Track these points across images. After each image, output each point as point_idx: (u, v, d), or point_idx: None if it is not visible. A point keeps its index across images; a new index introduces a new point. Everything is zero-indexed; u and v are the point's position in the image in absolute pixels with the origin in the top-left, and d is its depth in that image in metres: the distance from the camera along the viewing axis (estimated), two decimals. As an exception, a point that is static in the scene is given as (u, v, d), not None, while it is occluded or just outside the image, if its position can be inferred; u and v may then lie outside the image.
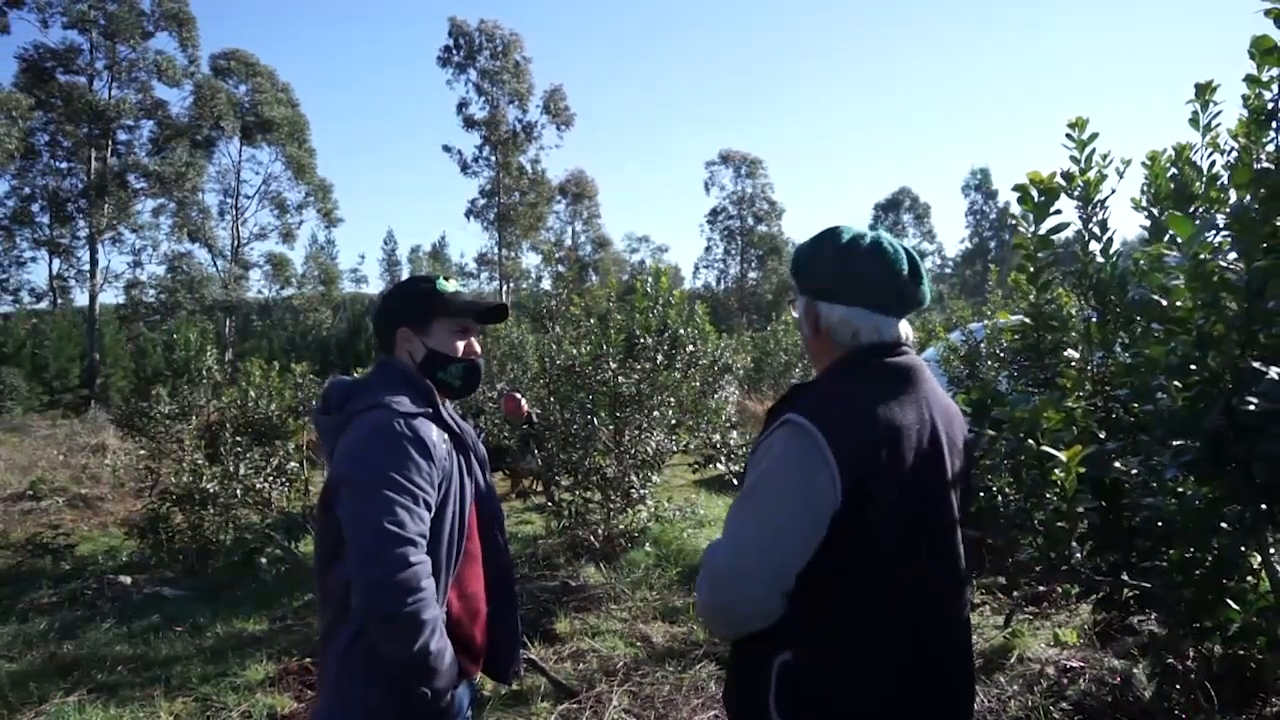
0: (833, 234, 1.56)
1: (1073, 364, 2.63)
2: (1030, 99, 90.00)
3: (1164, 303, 1.84)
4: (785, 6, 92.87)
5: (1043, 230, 2.56)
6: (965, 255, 58.41)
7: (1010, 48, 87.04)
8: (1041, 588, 4.31)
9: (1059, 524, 1.92)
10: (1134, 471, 2.05)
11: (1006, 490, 2.16)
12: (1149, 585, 2.02)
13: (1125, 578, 2.07)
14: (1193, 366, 1.75)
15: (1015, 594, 4.20)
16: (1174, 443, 1.83)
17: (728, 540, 1.44)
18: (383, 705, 1.71)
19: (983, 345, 6.65)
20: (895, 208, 57.53)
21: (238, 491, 7.24)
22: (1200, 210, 2.57)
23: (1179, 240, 1.80)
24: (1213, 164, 2.72)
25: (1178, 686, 2.79)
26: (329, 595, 1.76)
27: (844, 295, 1.52)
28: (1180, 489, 1.95)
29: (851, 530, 1.38)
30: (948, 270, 59.81)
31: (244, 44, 47.96)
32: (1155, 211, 2.77)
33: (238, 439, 7.84)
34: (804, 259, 1.60)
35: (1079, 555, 2.08)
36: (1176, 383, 1.79)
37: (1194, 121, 2.66)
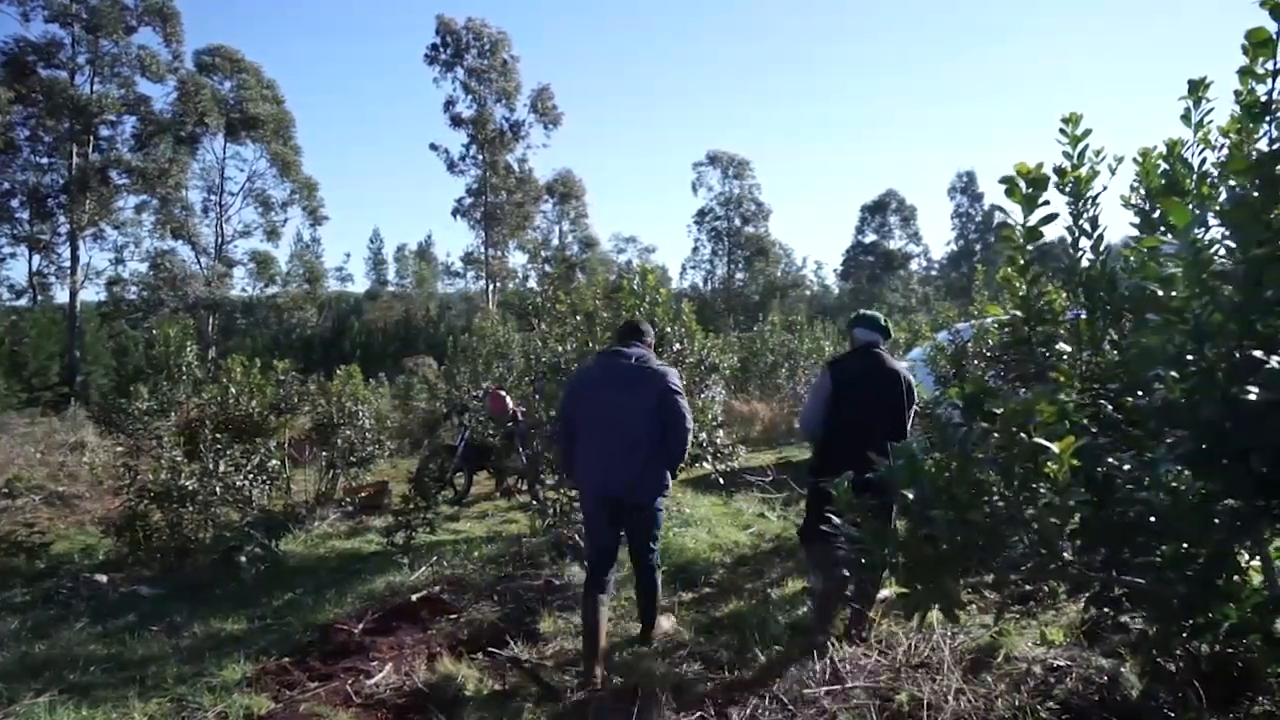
0: (857, 311, 4.78)
1: (1064, 357, 2.61)
2: (1016, 103, 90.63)
3: (1160, 293, 1.81)
4: (775, 8, 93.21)
5: (1032, 222, 2.54)
6: (951, 257, 58.50)
7: (998, 52, 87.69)
8: (1029, 586, 4.30)
9: (1051, 519, 1.88)
10: (1126, 467, 2.01)
11: (996, 487, 2.12)
12: (1140, 581, 1.99)
13: (1116, 574, 2.04)
14: (1189, 356, 1.72)
15: (1003, 592, 4.19)
16: (1168, 437, 1.80)
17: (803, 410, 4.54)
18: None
19: (969, 344, 6.67)
20: (882, 210, 57.57)
21: (217, 489, 7.12)
22: (1191, 206, 2.55)
23: (1175, 229, 1.77)
24: (1203, 160, 2.71)
25: (1166, 685, 2.77)
26: (645, 439, 4.08)
27: (856, 325, 4.53)
28: (1174, 484, 1.92)
29: (834, 402, 4.25)
30: (934, 273, 60.00)
31: (229, 40, 47.35)
32: (1146, 207, 2.76)
33: (218, 436, 7.72)
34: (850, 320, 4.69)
35: (1068, 553, 2.04)
36: (1174, 373, 1.76)
37: (1186, 118, 2.65)
